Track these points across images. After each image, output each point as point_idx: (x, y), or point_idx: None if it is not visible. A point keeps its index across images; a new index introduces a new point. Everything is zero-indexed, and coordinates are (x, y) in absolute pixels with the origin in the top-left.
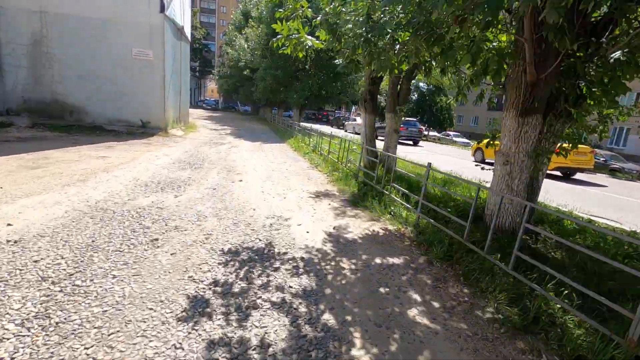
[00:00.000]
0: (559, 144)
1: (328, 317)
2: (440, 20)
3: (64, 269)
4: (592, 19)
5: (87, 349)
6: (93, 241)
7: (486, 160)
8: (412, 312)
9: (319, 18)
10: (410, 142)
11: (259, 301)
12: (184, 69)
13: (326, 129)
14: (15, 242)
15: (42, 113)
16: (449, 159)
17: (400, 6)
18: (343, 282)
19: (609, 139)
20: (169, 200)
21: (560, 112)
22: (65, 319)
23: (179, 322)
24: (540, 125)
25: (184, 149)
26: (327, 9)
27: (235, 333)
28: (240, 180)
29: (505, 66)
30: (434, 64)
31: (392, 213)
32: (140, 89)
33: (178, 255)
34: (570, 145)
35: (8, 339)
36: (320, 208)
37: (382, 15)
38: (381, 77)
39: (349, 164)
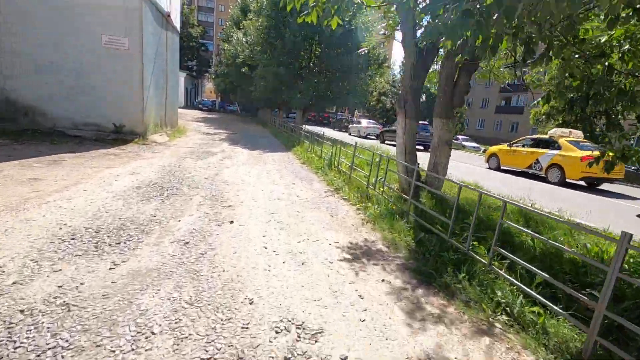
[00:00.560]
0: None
1: None
2: None
3: None
4: None
5: None
6: None
7: (502, 168)
8: None
9: None
10: (421, 147)
11: None
12: (171, 64)
13: (328, 131)
14: None
15: None
16: (460, 165)
17: None
18: None
19: None
20: (93, 280)
21: None
22: None
23: None
24: None
25: (161, 163)
26: None
27: None
28: (231, 222)
29: None
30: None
31: (508, 310)
32: (112, 86)
33: None
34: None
35: None
36: (370, 293)
37: None
38: (427, 69)
39: (381, 188)
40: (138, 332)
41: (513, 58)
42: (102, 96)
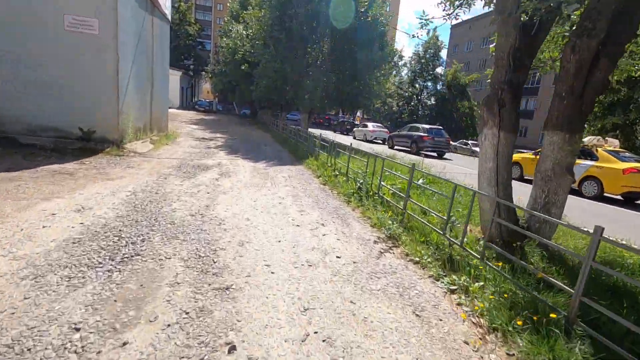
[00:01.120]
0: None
1: None
2: None
3: None
4: None
5: None
6: None
7: (525, 177)
8: None
9: None
10: (434, 154)
11: None
12: (160, 57)
13: (329, 134)
14: None
15: None
16: (475, 173)
17: None
18: None
19: None
20: None
21: None
22: None
23: None
24: None
25: (131, 187)
26: None
27: None
28: (231, 349)
29: None
30: None
31: None
32: (79, 81)
33: None
34: None
35: None
36: None
37: None
38: (534, 54)
39: (455, 233)
40: None
41: None
42: (66, 94)
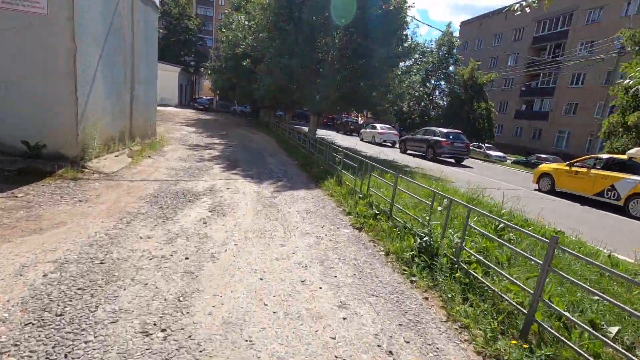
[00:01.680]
0: None
1: None
2: None
3: None
4: None
5: None
6: None
7: (557, 190)
8: None
9: None
10: (452, 160)
11: None
12: (144, 50)
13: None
14: None
15: None
16: (502, 186)
17: None
18: None
19: None
20: None
21: None
22: None
23: None
24: None
25: (66, 249)
26: None
27: None
28: None
29: None
30: None
31: None
32: (23, 78)
33: None
34: None
35: None
36: None
37: None
38: None
39: None
40: None
41: None
42: (5, 96)
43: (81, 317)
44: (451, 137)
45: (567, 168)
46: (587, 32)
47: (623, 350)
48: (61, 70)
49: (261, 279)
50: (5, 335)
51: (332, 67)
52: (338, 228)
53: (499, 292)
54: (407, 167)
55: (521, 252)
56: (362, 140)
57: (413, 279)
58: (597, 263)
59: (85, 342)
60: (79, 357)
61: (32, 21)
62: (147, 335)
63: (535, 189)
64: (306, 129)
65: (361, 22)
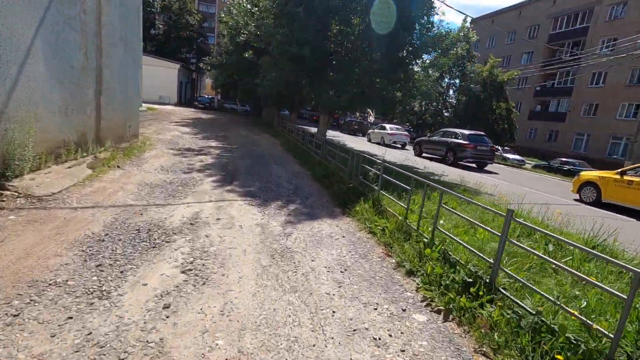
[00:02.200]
0: None
1: None
2: None
3: None
4: None
5: None
6: None
7: (604, 202)
8: None
9: None
10: (473, 165)
11: None
12: (118, 29)
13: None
14: None
15: None
16: (537, 197)
17: None
18: None
19: None
20: None
21: None
22: None
23: None
24: None
25: None
26: None
27: None
28: None
29: None
30: None
31: None
32: None
33: None
34: None
35: None
36: None
37: None
38: None
39: None
40: None
41: None
42: None
43: None
44: (474, 139)
45: (618, 177)
46: (609, 28)
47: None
48: None
49: None
50: None
51: (349, 57)
52: (404, 310)
53: None
54: (432, 174)
55: None
56: (369, 141)
57: None
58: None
59: None
60: None
61: None
62: None
63: (575, 200)
64: (312, 129)
65: (382, 6)
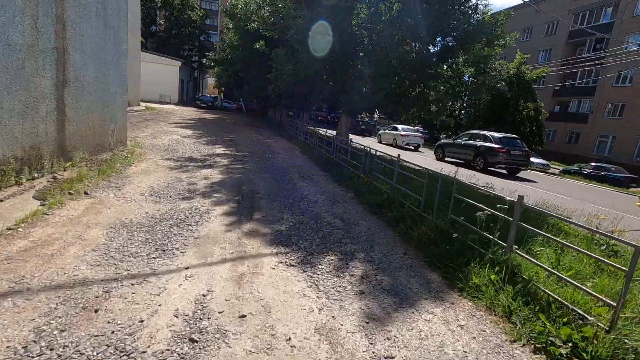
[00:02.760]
0: None
1: None
2: None
3: None
4: None
5: None
6: None
7: None
8: None
9: None
10: (504, 171)
11: None
12: (88, 8)
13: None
14: None
15: None
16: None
17: None
18: None
19: None
20: None
21: None
22: None
23: None
24: None
25: None
26: None
27: None
28: None
29: None
30: None
31: None
32: None
33: None
34: None
35: None
36: None
37: None
38: None
39: None
40: None
41: None
42: None
43: None
44: (507, 143)
45: None
46: (637, 24)
47: None
48: None
49: None
50: None
51: (379, 48)
52: None
53: None
54: (479, 187)
55: None
56: (380, 142)
57: None
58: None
59: None
60: None
61: None
62: None
63: None
64: (322, 130)
65: None
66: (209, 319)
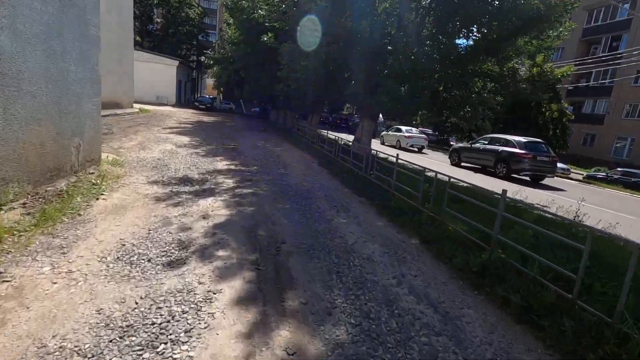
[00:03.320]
0: None
1: None
2: None
3: None
4: None
5: None
6: None
7: None
8: None
9: None
10: (527, 178)
11: None
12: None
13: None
14: None
15: None
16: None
17: None
18: None
19: None
20: None
21: None
22: None
23: None
24: None
25: None
26: None
27: None
28: None
29: None
30: None
31: None
32: None
33: None
34: None
35: None
36: None
37: None
38: None
39: None
40: None
41: None
42: None
43: None
44: (532, 147)
45: None
46: None
47: None
48: None
49: None
50: None
51: (410, 40)
52: None
53: None
54: (512, 201)
55: None
56: (383, 144)
57: None
58: None
59: None
60: None
61: None
62: None
63: None
64: (332, 134)
65: None
66: None
